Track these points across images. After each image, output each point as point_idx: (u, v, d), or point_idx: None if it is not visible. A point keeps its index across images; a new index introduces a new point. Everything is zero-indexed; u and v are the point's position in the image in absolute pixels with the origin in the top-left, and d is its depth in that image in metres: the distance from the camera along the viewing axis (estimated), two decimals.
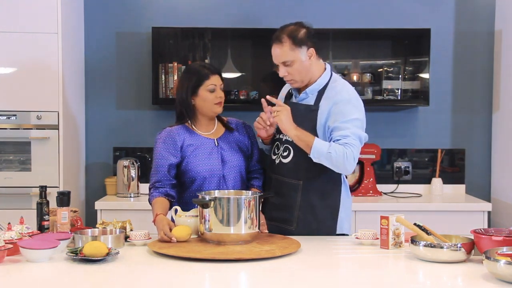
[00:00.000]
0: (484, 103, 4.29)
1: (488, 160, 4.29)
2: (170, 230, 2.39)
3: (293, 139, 2.58)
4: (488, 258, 1.89)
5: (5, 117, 3.68)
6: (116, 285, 1.95)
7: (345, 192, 2.68)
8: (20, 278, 2.00)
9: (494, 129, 4.24)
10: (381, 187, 4.15)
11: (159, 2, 4.23)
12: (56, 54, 3.66)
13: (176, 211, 2.53)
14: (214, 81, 2.66)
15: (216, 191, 2.56)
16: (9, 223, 2.34)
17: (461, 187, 4.28)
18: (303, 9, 4.21)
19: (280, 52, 2.60)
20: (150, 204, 2.64)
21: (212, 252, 2.21)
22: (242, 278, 2.06)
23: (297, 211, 2.64)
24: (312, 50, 2.60)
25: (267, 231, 2.59)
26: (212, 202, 2.34)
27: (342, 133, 2.50)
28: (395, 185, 4.25)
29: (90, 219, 4.01)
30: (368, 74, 4.15)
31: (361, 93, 4.06)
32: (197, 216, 2.45)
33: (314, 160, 2.51)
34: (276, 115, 2.56)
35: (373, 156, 4.08)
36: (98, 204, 3.75)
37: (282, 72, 2.63)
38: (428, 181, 4.27)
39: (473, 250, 2.16)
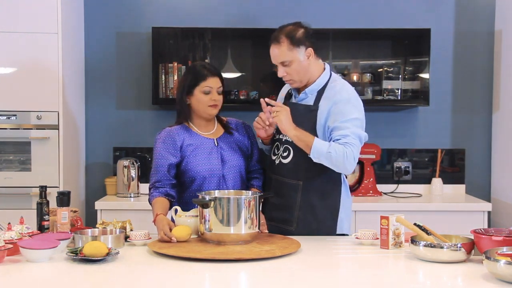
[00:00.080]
0: (484, 103, 4.29)
1: (488, 160, 4.29)
2: (170, 230, 2.39)
3: (292, 139, 2.58)
4: (488, 258, 1.89)
5: (5, 117, 3.68)
6: (116, 285, 1.95)
7: (345, 192, 2.68)
8: (20, 278, 2.00)
9: (494, 129, 4.24)
10: (381, 187, 4.15)
11: (159, 2, 4.24)
12: (56, 54, 3.66)
13: (176, 211, 2.53)
14: (210, 83, 2.65)
15: (216, 191, 2.56)
16: (9, 223, 2.34)
17: (461, 187, 4.28)
18: (303, 9, 4.21)
19: (278, 52, 2.60)
20: (150, 204, 2.64)
21: (212, 252, 2.21)
22: (242, 278, 2.06)
23: (297, 211, 2.64)
24: (310, 50, 2.60)
25: (267, 231, 2.59)
26: (212, 202, 2.34)
27: (342, 133, 2.50)
28: (395, 185, 4.25)
29: (90, 219, 4.01)
30: (368, 74, 4.15)
31: (361, 93, 4.06)
32: (197, 216, 2.45)
33: (314, 160, 2.51)
34: (276, 115, 2.55)
35: (373, 156, 4.08)
36: (98, 204, 3.75)
37: (280, 72, 2.63)
38: (428, 181, 4.27)
39: (473, 250, 2.16)
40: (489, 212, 3.83)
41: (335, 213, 2.64)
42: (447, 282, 1.98)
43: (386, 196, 4.10)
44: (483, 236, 2.14)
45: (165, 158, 2.66)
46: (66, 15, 3.75)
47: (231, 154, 2.72)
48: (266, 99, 2.65)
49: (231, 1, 4.24)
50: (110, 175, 4.18)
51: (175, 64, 4.02)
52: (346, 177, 2.74)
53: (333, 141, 2.50)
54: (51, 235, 2.33)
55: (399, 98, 4.09)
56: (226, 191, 2.59)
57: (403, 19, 4.23)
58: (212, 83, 2.65)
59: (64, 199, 2.48)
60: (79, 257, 2.14)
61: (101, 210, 3.72)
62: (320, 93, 2.63)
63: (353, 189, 4.03)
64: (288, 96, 2.79)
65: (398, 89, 4.09)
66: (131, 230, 2.51)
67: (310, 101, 2.64)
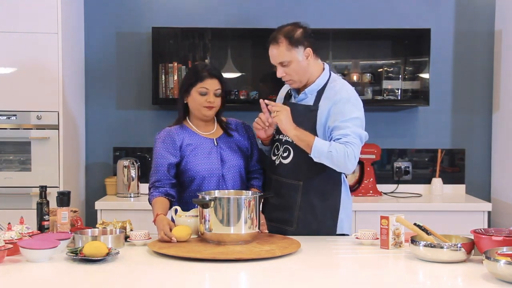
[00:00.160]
0: (484, 103, 4.29)
1: (488, 160, 4.29)
2: (170, 230, 2.39)
3: (293, 139, 2.58)
4: (488, 258, 1.89)
5: (5, 117, 3.68)
6: (116, 285, 1.95)
7: (345, 192, 2.68)
8: (20, 278, 2.00)
9: (494, 129, 4.24)
10: (381, 187, 4.15)
11: (159, 2, 4.24)
12: (56, 54, 3.66)
13: (176, 211, 2.53)
14: (208, 84, 2.65)
15: (216, 191, 2.56)
16: (9, 223, 2.34)
17: (461, 187, 4.28)
18: (303, 9, 4.21)
19: (277, 53, 2.60)
20: (150, 203, 2.64)
21: (212, 252, 2.21)
22: (242, 278, 2.06)
23: (297, 211, 2.64)
24: (309, 50, 2.60)
25: (267, 231, 2.58)
26: (212, 202, 2.34)
27: (342, 132, 2.50)
28: (395, 185, 4.25)
29: (90, 219, 4.01)
30: (368, 74, 4.15)
31: (361, 93, 4.06)
32: (197, 216, 2.45)
33: (315, 160, 2.51)
34: (276, 115, 2.55)
35: (373, 156, 4.08)
36: (98, 204, 3.75)
37: (279, 72, 2.63)
38: (428, 181, 4.27)
39: (473, 250, 2.16)
40: (489, 212, 3.83)
41: (335, 213, 2.64)
42: (447, 282, 1.98)
43: (386, 196, 4.10)
44: (483, 236, 2.14)
45: (164, 158, 2.66)
46: (66, 15, 3.75)
47: (230, 154, 2.72)
48: (266, 101, 2.65)
49: (231, 1, 4.24)
50: (110, 175, 4.18)
51: (175, 64, 4.02)
52: (346, 177, 2.74)
53: (334, 140, 2.50)
54: (51, 235, 2.33)
55: (399, 98, 4.09)
56: (226, 191, 2.59)
57: (403, 19, 4.23)
58: (209, 85, 2.65)
59: (64, 199, 2.48)
60: (79, 257, 2.14)
61: (101, 210, 3.73)
62: (320, 93, 2.63)
63: (353, 189, 4.03)
64: (288, 96, 2.79)
65: (398, 89, 4.09)
66: (131, 230, 2.51)
67: (310, 101, 2.64)
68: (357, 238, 2.47)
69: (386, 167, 4.30)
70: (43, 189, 2.51)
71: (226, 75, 3.99)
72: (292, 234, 2.57)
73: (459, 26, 4.28)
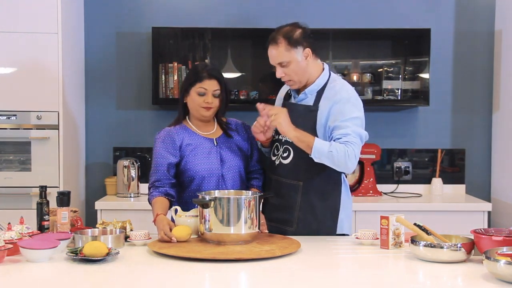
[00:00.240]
0: (484, 103, 4.29)
1: (488, 160, 4.29)
2: (170, 230, 2.39)
3: (293, 141, 2.57)
4: (488, 258, 1.89)
5: (5, 117, 3.68)
6: (116, 285, 1.95)
7: (345, 192, 2.68)
8: (20, 278, 2.00)
9: (494, 129, 4.24)
10: (381, 187, 4.15)
11: (159, 2, 4.24)
12: (56, 54, 3.66)
13: (176, 211, 2.53)
14: (206, 85, 2.65)
15: (216, 191, 2.56)
16: (9, 223, 2.34)
17: (461, 187, 4.28)
18: (303, 9, 4.21)
19: (276, 53, 2.59)
20: (150, 203, 2.64)
21: (212, 252, 2.21)
22: (242, 278, 2.06)
23: (297, 211, 2.63)
24: (308, 50, 2.60)
25: (267, 231, 2.58)
26: (212, 202, 2.34)
27: (343, 132, 2.50)
28: (395, 185, 4.25)
29: (90, 219, 4.01)
30: (368, 74, 4.15)
31: (361, 93, 4.06)
32: (197, 216, 2.45)
33: (315, 160, 2.50)
34: (274, 119, 2.53)
35: (373, 156, 4.08)
36: (98, 204, 3.75)
37: (279, 73, 2.63)
38: (428, 181, 4.27)
39: (473, 250, 2.16)
40: (489, 212, 3.83)
41: (335, 214, 2.64)
42: (447, 282, 1.98)
43: (386, 196, 4.10)
44: (483, 236, 2.14)
45: (164, 158, 2.66)
46: (66, 15, 3.75)
47: (230, 154, 2.72)
48: (262, 104, 2.63)
49: (231, 1, 4.24)
50: (110, 175, 4.18)
51: (175, 64, 4.02)
52: (346, 177, 2.74)
53: (334, 140, 2.50)
54: (51, 235, 2.33)
55: (399, 98, 4.09)
56: (226, 191, 2.59)
57: (403, 19, 4.23)
58: (208, 86, 2.65)
59: (64, 199, 2.48)
60: (79, 257, 2.14)
61: (101, 210, 3.73)
62: (320, 93, 2.63)
63: (353, 189, 4.03)
64: (287, 96, 2.78)
65: (398, 89, 4.09)
66: (131, 230, 2.51)
67: (310, 101, 2.64)
68: (357, 238, 2.47)
69: (386, 167, 4.30)
70: (43, 189, 2.51)
71: (226, 75, 3.98)
72: (292, 234, 2.57)
73: (459, 26, 4.28)
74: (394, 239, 2.35)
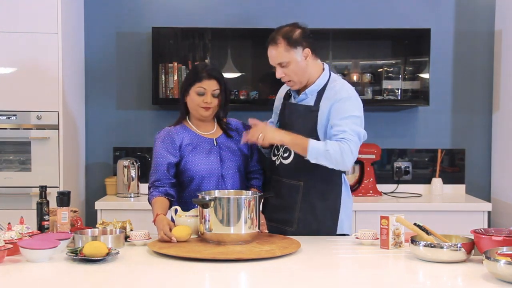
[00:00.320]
0: (484, 103, 4.29)
1: (488, 160, 4.29)
2: (170, 230, 2.39)
3: (288, 145, 2.56)
4: (488, 258, 1.89)
5: (5, 117, 3.68)
6: (116, 285, 1.95)
7: (345, 192, 2.68)
8: (20, 278, 2.00)
9: (494, 129, 4.24)
10: (381, 187, 4.15)
11: (159, 2, 4.24)
12: (56, 54, 3.66)
13: (176, 211, 2.53)
14: (205, 85, 2.64)
15: (216, 191, 2.56)
16: (9, 223, 2.34)
17: (461, 187, 4.28)
18: (303, 9, 4.21)
19: (276, 54, 2.59)
20: (150, 203, 2.64)
21: (212, 252, 2.21)
22: (242, 278, 2.06)
23: (298, 212, 2.63)
24: (307, 50, 2.60)
25: (267, 231, 2.58)
26: (212, 202, 2.34)
27: (339, 129, 2.49)
28: (395, 185, 4.25)
29: (90, 219, 4.01)
30: (368, 74, 4.15)
31: (361, 93, 4.06)
32: (197, 216, 2.45)
33: (312, 161, 2.49)
34: (264, 138, 2.49)
35: (373, 156, 4.08)
36: (98, 204, 3.75)
37: (278, 73, 2.62)
38: (428, 181, 4.27)
39: (473, 250, 2.16)
40: (489, 212, 3.83)
41: (335, 214, 2.64)
42: (447, 282, 1.98)
43: (386, 196, 4.10)
44: (483, 236, 2.14)
45: (164, 157, 2.66)
46: (66, 15, 3.75)
47: (230, 154, 2.72)
48: (254, 119, 2.59)
49: (231, 1, 4.24)
50: (110, 175, 4.18)
51: (175, 64, 4.02)
52: (347, 177, 2.73)
53: (331, 136, 2.50)
54: (51, 235, 2.33)
55: (399, 98, 4.09)
56: (226, 191, 2.58)
57: (403, 19, 4.23)
58: (207, 85, 2.65)
59: (64, 199, 2.48)
60: (79, 257, 2.14)
61: (101, 210, 3.72)
62: (320, 93, 2.63)
63: (353, 189, 4.02)
64: (287, 96, 2.78)
65: (398, 89, 4.09)
66: (131, 230, 2.51)
67: (310, 101, 2.64)
68: (357, 238, 2.47)
69: (386, 167, 4.30)
70: (43, 189, 2.51)
71: (226, 75, 3.97)
72: (292, 234, 2.57)
73: (459, 26, 4.28)
74: (394, 239, 2.35)
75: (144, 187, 3.81)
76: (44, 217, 2.48)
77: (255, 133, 2.52)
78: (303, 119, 2.61)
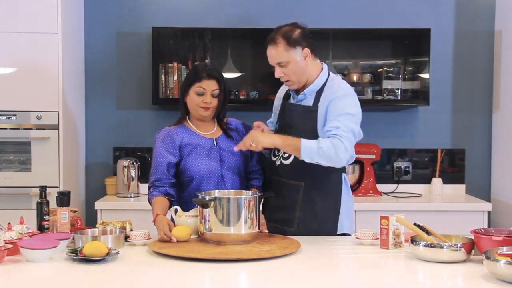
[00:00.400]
0: (484, 103, 4.29)
1: (488, 160, 4.29)
2: (170, 230, 2.39)
3: (280, 147, 2.56)
4: (488, 258, 1.89)
5: (5, 117, 3.68)
6: (116, 285, 1.95)
7: (346, 192, 2.68)
8: (20, 278, 2.00)
9: (494, 129, 4.24)
10: (381, 187, 4.15)
11: (159, 2, 4.24)
12: (56, 54, 3.66)
13: (176, 211, 2.53)
14: (205, 85, 2.64)
15: (216, 191, 2.56)
16: (9, 223, 2.34)
17: (461, 187, 4.28)
18: (303, 9, 4.21)
19: (275, 53, 2.59)
20: (150, 203, 2.64)
21: (212, 252, 2.21)
22: (242, 278, 2.06)
23: (298, 212, 2.63)
24: (307, 50, 2.60)
25: (267, 231, 2.58)
26: (212, 202, 2.34)
27: (333, 125, 2.48)
28: (395, 185, 4.25)
29: (90, 219, 4.01)
30: (368, 74, 4.15)
31: (361, 93, 4.07)
32: (197, 216, 2.45)
33: (307, 161, 2.48)
34: (255, 144, 2.49)
35: (373, 156, 4.08)
36: (98, 204, 3.75)
37: (277, 73, 2.62)
38: (428, 181, 4.27)
39: (473, 250, 2.16)
40: (489, 212, 3.83)
41: (336, 213, 2.64)
42: (447, 282, 1.98)
43: (386, 196, 4.10)
44: (483, 236, 2.14)
45: (164, 157, 2.66)
46: (66, 15, 3.75)
47: (230, 154, 2.71)
48: (259, 122, 2.65)
49: (231, 1, 4.24)
50: (110, 175, 4.18)
51: (175, 64, 4.02)
52: (347, 176, 2.73)
53: (325, 133, 2.49)
54: (51, 235, 2.33)
55: (399, 98, 4.09)
56: (226, 191, 2.58)
57: (403, 19, 4.23)
58: (206, 85, 2.65)
59: (64, 199, 2.48)
60: (79, 257, 2.14)
61: (101, 210, 3.73)
62: (319, 93, 2.62)
63: (353, 189, 4.02)
64: (286, 96, 2.78)
65: (398, 89, 4.09)
66: (131, 230, 2.51)
67: (309, 101, 2.64)
68: (357, 238, 2.47)
69: (386, 167, 4.30)
70: (43, 189, 2.51)
71: (226, 75, 3.98)
72: (292, 235, 2.57)
73: (459, 26, 4.28)
74: (394, 239, 2.35)
75: (144, 187, 3.81)
76: (44, 217, 2.48)
77: (246, 141, 2.52)
78: (302, 120, 2.61)
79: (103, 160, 4.25)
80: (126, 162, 3.98)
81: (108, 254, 2.15)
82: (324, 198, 2.63)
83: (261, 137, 2.51)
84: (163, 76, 4.02)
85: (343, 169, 2.66)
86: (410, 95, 4.13)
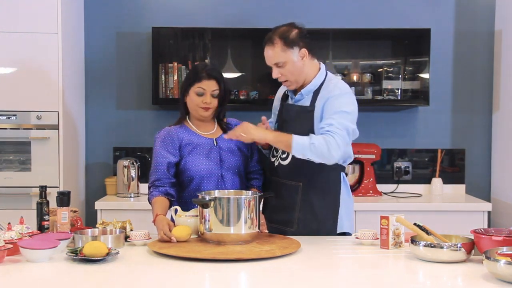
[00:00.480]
0: (484, 103, 4.29)
1: (488, 160, 4.29)
2: (170, 230, 2.39)
3: (272, 143, 2.56)
4: (488, 258, 1.89)
5: (5, 117, 3.68)
6: (116, 285, 1.95)
7: (345, 191, 2.68)
8: (20, 278, 2.00)
9: (494, 129, 4.24)
10: (381, 187, 4.15)
11: (159, 2, 4.24)
12: (56, 54, 3.66)
13: (176, 211, 2.53)
14: (205, 85, 2.65)
15: (216, 191, 2.56)
16: (9, 223, 2.34)
17: (461, 187, 4.28)
18: (303, 9, 4.21)
19: (272, 54, 2.59)
20: (150, 203, 2.64)
21: (212, 252, 2.21)
22: (242, 278, 2.06)
23: (298, 212, 2.63)
24: (304, 50, 2.59)
25: (267, 231, 2.58)
26: (212, 202, 2.34)
27: (327, 122, 2.48)
28: (395, 185, 4.25)
29: (90, 219, 4.01)
30: (368, 74, 4.15)
31: (361, 93, 4.07)
32: (197, 216, 2.45)
33: (299, 157, 2.47)
34: (246, 136, 2.50)
35: (373, 156, 4.08)
36: (98, 204, 3.75)
37: (275, 73, 2.62)
38: (428, 181, 4.27)
39: (473, 250, 2.16)
40: (489, 212, 3.83)
41: (335, 213, 2.64)
42: (447, 282, 1.98)
43: (386, 196, 4.10)
44: (483, 236, 2.14)
45: (164, 157, 2.66)
46: (66, 15, 3.75)
47: (230, 155, 2.71)
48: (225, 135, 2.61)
49: (231, 1, 4.24)
50: (110, 175, 4.18)
51: (175, 64, 4.02)
52: (346, 175, 2.73)
53: (319, 130, 2.49)
54: (51, 235, 2.33)
55: (399, 98, 4.09)
56: (226, 191, 2.58)
57: (403, 19, 4.23)
58: (206, 86, 2.65)
59: (64, 199, 2.48)
60: (79, 257, 2.14)
61: (101, 210, 3.73)
62: (316, 93, 2.62)
63: (353, 189, 4.02)
64: (285, 97, 2.78)
65: (398, 89, 4.09)
66: (131, 230, 2.51)
67: (306, 102, 2.64)
68: (357, 238, 2.47)
69: (386, 167, 4.30)
70: (43, 189, 2.51)
71: (226, 75, 3.98)
72: (292, 235, 2.56)
73: (459, 26, 4.28)
74: (394, 239, 2.35)
75: (144, 187, 3.81)
76: (44, 217, 2.48)
77: (237, 131, 2.52)
78: (300, 120, 2.61)
79: (103, 160, 4.25)
80: (126, 162, 3.98)
81: (108, 254, 2.15)
82: (322, 197, 2.63)
83: (253, 129, 2.51)
84: (163, 76, 4.02)
85: (342, 168, 2.67)
86: (410, 95, 4.13)
